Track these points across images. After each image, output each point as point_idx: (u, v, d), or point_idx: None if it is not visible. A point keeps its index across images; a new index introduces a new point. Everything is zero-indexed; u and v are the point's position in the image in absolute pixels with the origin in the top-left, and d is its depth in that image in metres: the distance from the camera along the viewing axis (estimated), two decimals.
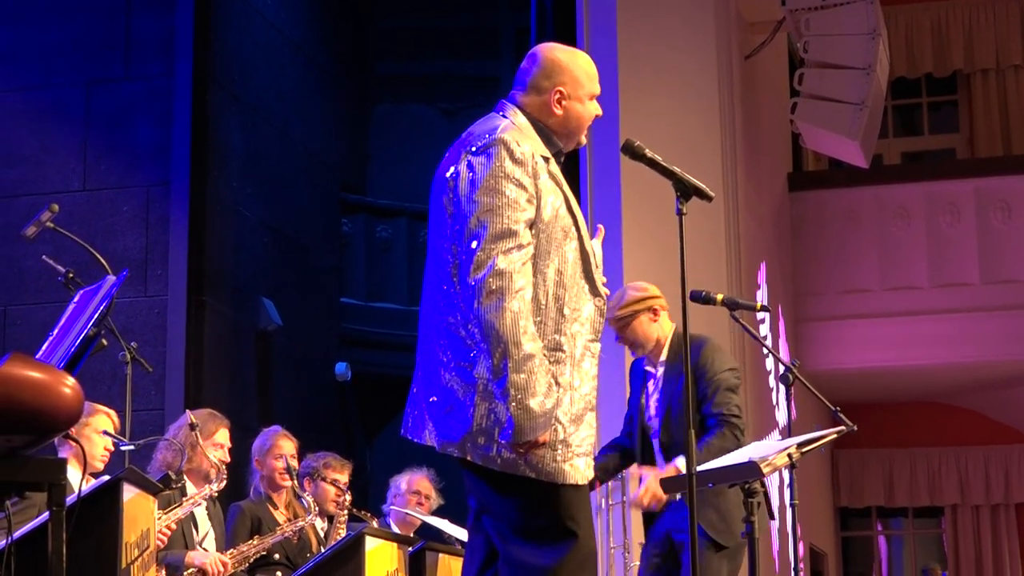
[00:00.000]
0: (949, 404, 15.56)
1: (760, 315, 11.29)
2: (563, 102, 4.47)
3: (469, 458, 4.21)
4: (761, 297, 11.97)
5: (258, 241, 11.93)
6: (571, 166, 10.57)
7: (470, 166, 4.26)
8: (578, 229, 4.39)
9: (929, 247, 14.14)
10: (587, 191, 10.33)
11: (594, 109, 4.54)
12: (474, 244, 4.16)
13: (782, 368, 6.71)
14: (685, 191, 4.62)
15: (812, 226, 14.51)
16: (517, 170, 4.24)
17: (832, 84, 12.00)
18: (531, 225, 4.25)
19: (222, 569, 6.98)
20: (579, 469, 4.26)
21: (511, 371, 4.08)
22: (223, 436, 7.36)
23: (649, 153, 4.64)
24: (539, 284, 4.24)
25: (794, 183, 14.62)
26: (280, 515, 7.71)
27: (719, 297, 6.07)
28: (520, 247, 4.19)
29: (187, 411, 7.42)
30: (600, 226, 4.81)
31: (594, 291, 4.40)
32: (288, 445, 7.91)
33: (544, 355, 4.19)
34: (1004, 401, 15.33)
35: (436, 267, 4.34)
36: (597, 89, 4.55)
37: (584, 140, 4.59)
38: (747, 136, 11.85)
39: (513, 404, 4.08)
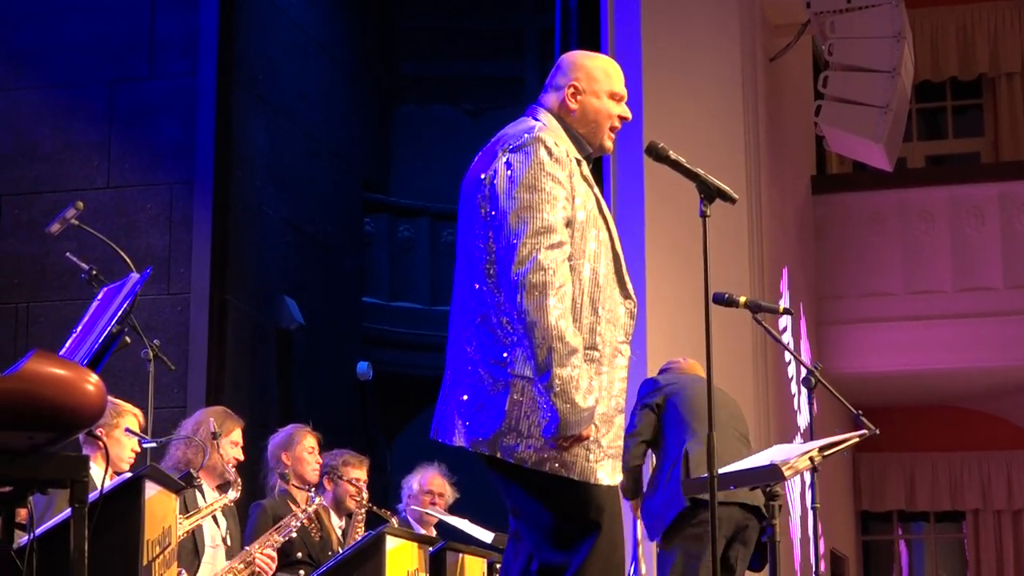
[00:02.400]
0: (971, 409, 15.50)
1: (782, 318, 11.28)
2: (577, 96, 4.47)
3: (499, 456, 4.20)
4: (784, 300, 11.95)
5: (281, 240, 11.95)
6: (595, 167, 10.55)
7: (508, 164, 4.26)
8: (610, 232, 4.40)
9: (953, 251, 14.10)
10: (611, 193, 10.33)
11: (615, 108, 4.51)
12: (515, 240, 4.15)
13: (804, 371, 6.71)
14: (709, 193, 4.63)
15: (835, 229, 14.48)
16: (556, 168, 4.25)
17: (856, 87, 11.97)
18: (568, 224, 4.25)
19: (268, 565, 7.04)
20: (609, 470, 4.26)
21: (556, 365, 4.07)
22: (238, 435, 7.38)
23: (673, 155, 4.65)
24: (574, 283, 4.24)
25: (818, 186, 14.59)
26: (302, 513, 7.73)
27: (742, 299, 6.07)
28: (560, 244, 4.18)
29: (203, 410, 7.44)
30: None
31: (625, 293, 4.40)
32: (312, 440, 7.93)
33: (583, 350, 4.19)
34: None
35: (467, 266, 4.33)
36: (619, 88, 4.53)
37: (610, 146, 4.56)
38: (771, 139, 11.83)
39: (559, 399, 4.07)
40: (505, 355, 4.19)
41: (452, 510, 8.90)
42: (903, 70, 11.93)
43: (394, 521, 8.26)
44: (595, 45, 10.38)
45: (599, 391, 4.24)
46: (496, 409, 4.19)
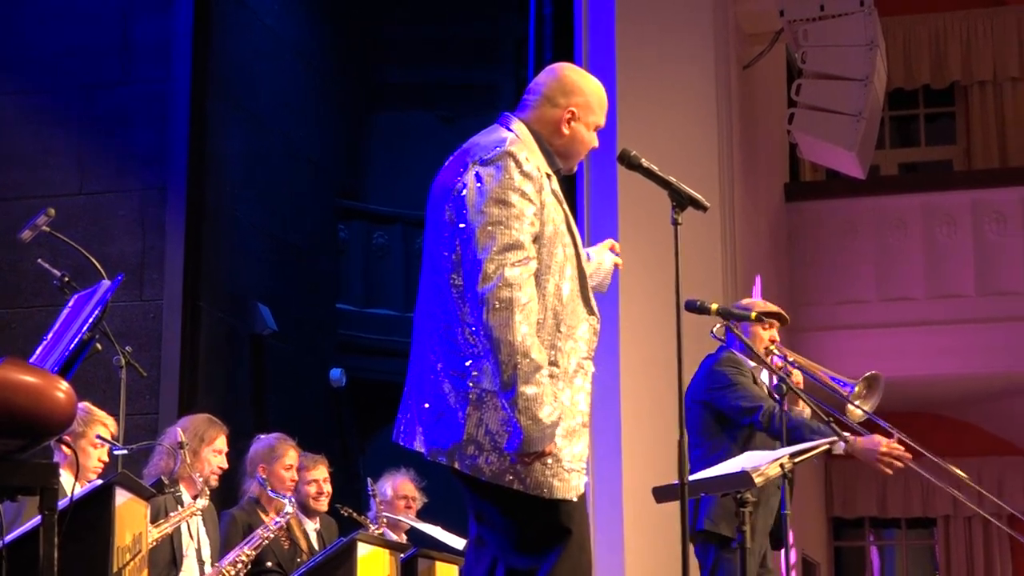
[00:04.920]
0: (944, 415, 15.53)
1: None
2: (572, 123, 4.49)
3: (456, 466, 4.21)
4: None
5: (255, 246, 11.93)
6: (568, 176, 10.57)
7: (478, 177, 4.26)
8: (576, 248, 4.41)
9: (925, 258, 14.13)
10: (584, 201, 10.33)
11: (593, 140, 4.57)
12: (482, 255, 4.16)
13: (776, 379, 6.71)
14: (680, 201, 4.64)
15: (809, 236, 14.50)
16: (526, 183, 4.25)
17: (830, 95, 11.99)
18: (536, 240, 4.25)
19: None
20: (568, 483, 4.26)
21: (520, 383, 4.08)
22: (222, 442, 7.36)
23: (645, 163, 4.66)
24: (539, 299, 4.24)
25: (791, 193, 14.61)
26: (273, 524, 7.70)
27: (713, 307, 6.06)
28: (527, 260, 4.19)
29: (187, 418, 7.42)
30: (613, 242, 4.86)
31: (589, 310, 4.42)
32: (294, 454, 7.93)
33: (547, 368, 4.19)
34: (999, 413, 15.32)
35: (434, 274, 4.33)
36: (603, 121, 4.57)
37: (574, 168, 4.59)
38: (744, 146, 11.85)
39: (523, 416, 4.08)
40: (468, 365, 4.20)
41: (421, 515, 8.91)
42: (876, 78, 11.96)
43: (373, 528, 8.26)
44: (569, 53, 10.39)
45: (561, 407, 4.24)
46: (456, 420, 4.20)
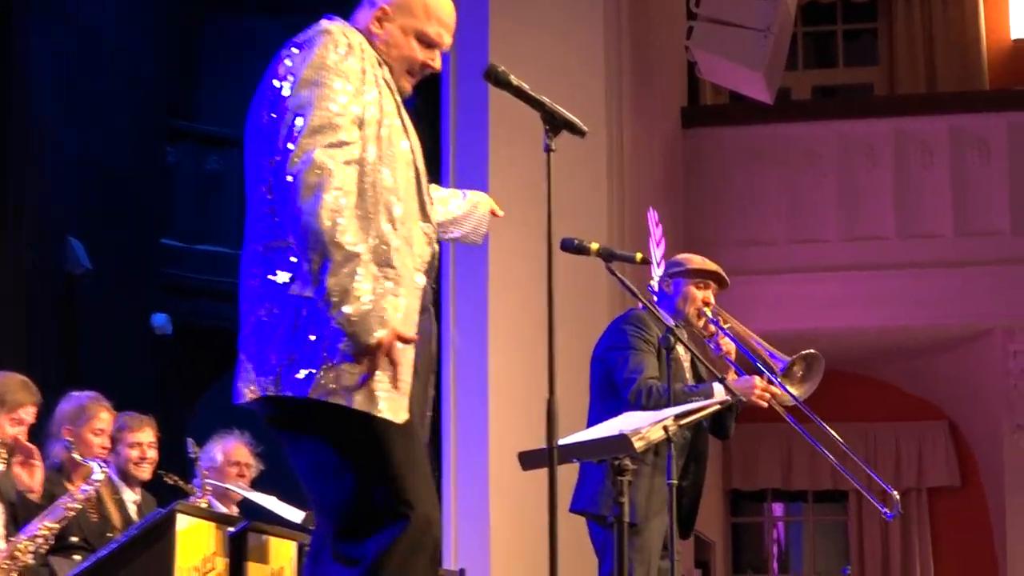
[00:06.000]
0: (857, 374, 15.69)
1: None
2: (385, 23, 4.48)
3: (283, 392, 4.18)
4: (653, 248, 12.04)
5: (66, 172, 11.83)
6: (432, 97, 10.56)
7: (290, 58, 4.28)
8: (411, 144, 4.41)
9: (840, 195, 14.26)
10: (450, 124, 10.35)
11: (420, 53, 4.55)
12: (291, 141, 4.14)
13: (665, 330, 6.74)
14: (554, 123, 4.66)
15: (709, 168, 14.57)
16: (343, 61, 4.26)
17: (734, 7, 12.07)
18: (360, 125, 4.24)
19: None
20: (397, 406, 4.25)
21: (331, 274, 4.05)
22: (29, 413, 7.30)
23: (515, 80, 4.66)
24: (367, 192, 4.25)
25: (689, 118, 14.67)
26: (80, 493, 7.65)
27: (594, 247, 6.07)
28: (343, 144, 4.18)
29: None
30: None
31: (424, 216, 4.43)
32: (107, 417, 7.87)
33: (372, 263, 4.17)
34: (920, 372, 15.53)
35: (253, 190, 4.31)
36: (433, 32, 4.56)
37: (408, 88, 4.58)
38: (635, 64, 11.88)
39: (336, 309, 4.06)
40: (290, 277, 4.18)
41: (256, 485, 8.89)
42: None
43: (196, 498, 8.22)
44: None
45: (396, 314, 4.23)
46: (279, 338, 4.20)
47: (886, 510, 7.21)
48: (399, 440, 4.26)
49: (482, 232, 5.06)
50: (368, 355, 4.11)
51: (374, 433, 4.22)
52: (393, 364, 4.17)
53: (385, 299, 4.19)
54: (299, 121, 4.16)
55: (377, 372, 4.17)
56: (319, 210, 4.07)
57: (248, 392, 4.27)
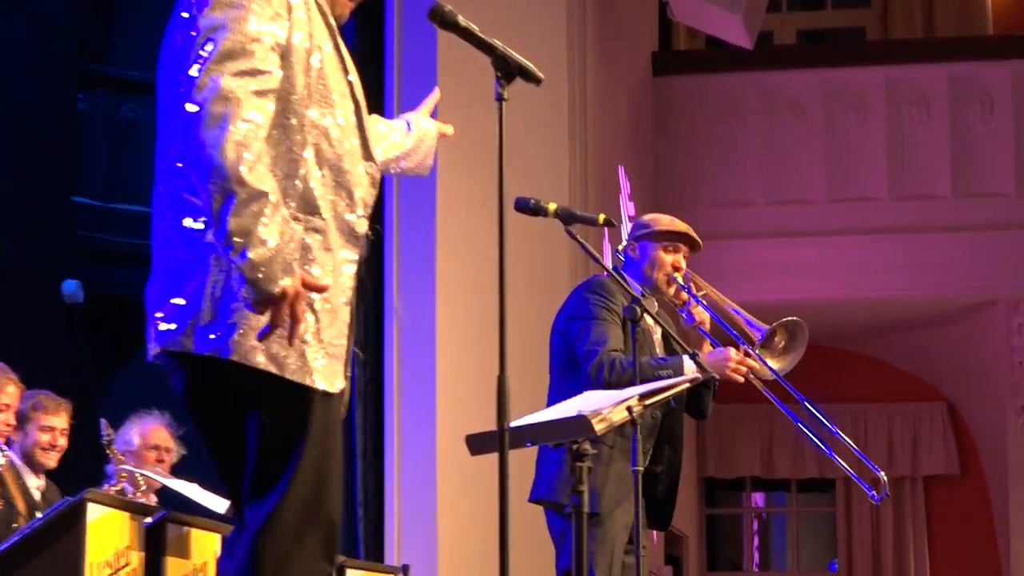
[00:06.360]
0: (846, 350, 15.76)
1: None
2: None
3: (194, 350, 4.14)
4: (624, 205, 12.06)
5: None
6: (375, 40, 10.56)
7: None
8: (348, 74, 4.39)
9: (828, 151, 14.32)
10: (394, 70, 10.35)
11: None
12: (197, 70, 4.07)
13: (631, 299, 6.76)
14: (507, 70, 4.66)
15: (681, 120, 14.60)
16: None
17: None
18: (284, 53, 4.21)
19: None
20: (331, 372, 4.25)
21: (232, 214, 3.98)
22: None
23: (463, 21, 4.66)
24: (292, 129, 4.22)
25: (660, 65, 14.69)
26: None
27: (551, 207, 6.08)
28: (257, 72, 4.11)
29: None
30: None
31: (367, 153, 4.41)
32: (14, 391, 7.87)
33: (286, 206, 4.13)
34: (915, 348, 15.60)
35: (164, 135, 4.26)
36: None
37: (346, 14, 4.55)
38: (602, 5, 11.90)
39: (238, 255, 3.99)
40: (201, 223, 4.15)
41: (175, 471, 8.90)
42: None
43: (109, 486, 8.23)
44: None
45: (323, 270, 4.22)
46: (190, 290, 4.16)
47: (873, 492, 7.21)
48: (323, 406, 4.24)
49: (428, 164, 5.06)
50: (271, 305, 4.03)
51: (301, 402, 4.20)
52: (294, 319, 4.13)
53: (296, 245, 4.12)
54: (209, 46, 4.08)
55: (310, 338, 4.17)
56: (223, 143, 3.98)
57: (153, 347, 4.24)
